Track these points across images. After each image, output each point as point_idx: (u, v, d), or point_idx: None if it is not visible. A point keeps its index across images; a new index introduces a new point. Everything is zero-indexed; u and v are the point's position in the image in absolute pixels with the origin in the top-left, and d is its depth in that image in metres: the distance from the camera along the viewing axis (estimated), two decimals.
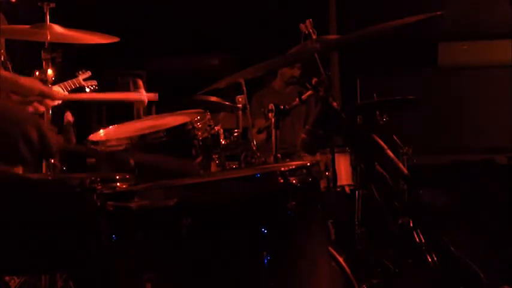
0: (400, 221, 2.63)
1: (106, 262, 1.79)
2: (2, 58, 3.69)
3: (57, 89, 3.95)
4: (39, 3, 2.96)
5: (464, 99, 6.35)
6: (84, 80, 4.27)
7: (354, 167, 3.61)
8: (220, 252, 1.84)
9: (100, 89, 4.40)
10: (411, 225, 2.57)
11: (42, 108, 2.21)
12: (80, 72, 4.27)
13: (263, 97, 4.97)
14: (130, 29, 5.64)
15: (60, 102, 3.91)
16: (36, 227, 1.69)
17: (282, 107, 2.65)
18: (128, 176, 2.17)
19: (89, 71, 4.31)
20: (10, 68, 3.81)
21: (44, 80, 2.93)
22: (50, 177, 2.66)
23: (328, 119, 2.36)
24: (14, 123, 1.40)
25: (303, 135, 2.40)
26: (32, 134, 1.41)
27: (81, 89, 4.24)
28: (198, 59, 6.86)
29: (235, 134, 2.88)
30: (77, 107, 4.49)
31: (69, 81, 4.14)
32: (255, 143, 2.98)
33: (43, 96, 2.21)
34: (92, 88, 4.32)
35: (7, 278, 2.70)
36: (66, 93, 3.91)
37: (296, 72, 5.04)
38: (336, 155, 3.29)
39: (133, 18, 6.46)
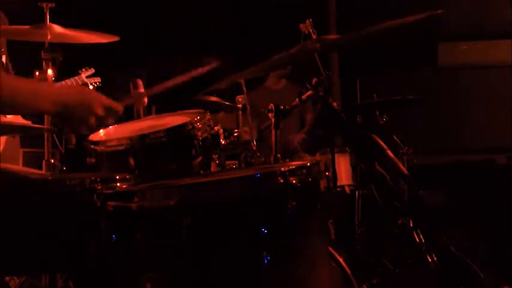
0: (400, 221, 2.63)
1: (106, 262, 1.79)
2: (4, 58, 3.68)
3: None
4: (39, 3, 2.96)
5: (464, 99, 6.33)
6: (87, 77, 4.25)
7: (353, 167, 3.60)
8: (220, 252, 1.84)
9: (100, 88, 4.38)
10: (411, 225, 2.57)
11: None
12: (83, 70, 4.24)
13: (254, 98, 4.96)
14: (130, 28, 5.63)
15: None
16: (36, 227, 1.69)
17: (282, 107, 2.64)
18: (128, 176, 2.17)
19: (92, 68, 4.28)
20: (11, 68, 3.82)
21: (43, 80, 2.92)
22: (50, 177, 2.66)
23: (328, 119, 2.36)
24: (85, 106, 1.71)
25: (303, 135, 2.41)
26: (100, 111, 1.73)
27: (83, 86, 4.22)
28: (198, 59, 6.85)
29: (235, 134, 2.87)
30: None
31: (72, 78, 4.12)
32: (255, 143, 2.98)
33: None
34: (95, 85, 4.30)
35: (7, 278, 2.70)
36: None
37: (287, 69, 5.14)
38: (336, 155, 3.28)
39: (133, 18, 6.45)
